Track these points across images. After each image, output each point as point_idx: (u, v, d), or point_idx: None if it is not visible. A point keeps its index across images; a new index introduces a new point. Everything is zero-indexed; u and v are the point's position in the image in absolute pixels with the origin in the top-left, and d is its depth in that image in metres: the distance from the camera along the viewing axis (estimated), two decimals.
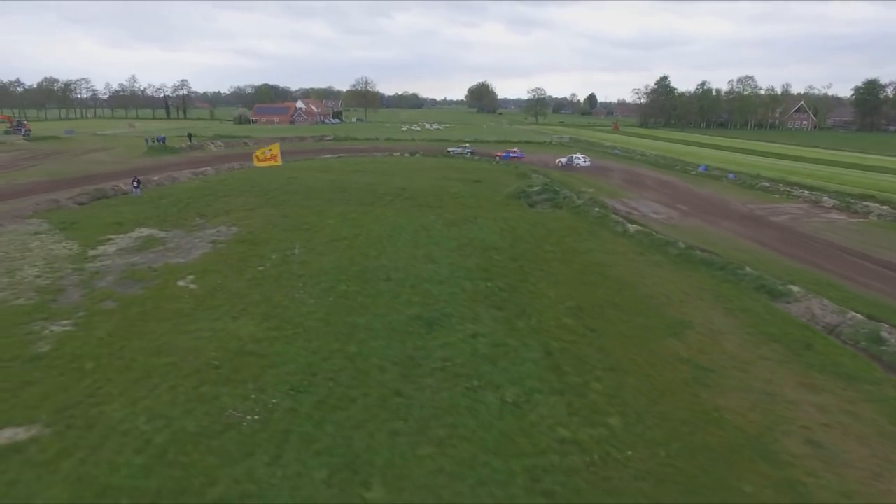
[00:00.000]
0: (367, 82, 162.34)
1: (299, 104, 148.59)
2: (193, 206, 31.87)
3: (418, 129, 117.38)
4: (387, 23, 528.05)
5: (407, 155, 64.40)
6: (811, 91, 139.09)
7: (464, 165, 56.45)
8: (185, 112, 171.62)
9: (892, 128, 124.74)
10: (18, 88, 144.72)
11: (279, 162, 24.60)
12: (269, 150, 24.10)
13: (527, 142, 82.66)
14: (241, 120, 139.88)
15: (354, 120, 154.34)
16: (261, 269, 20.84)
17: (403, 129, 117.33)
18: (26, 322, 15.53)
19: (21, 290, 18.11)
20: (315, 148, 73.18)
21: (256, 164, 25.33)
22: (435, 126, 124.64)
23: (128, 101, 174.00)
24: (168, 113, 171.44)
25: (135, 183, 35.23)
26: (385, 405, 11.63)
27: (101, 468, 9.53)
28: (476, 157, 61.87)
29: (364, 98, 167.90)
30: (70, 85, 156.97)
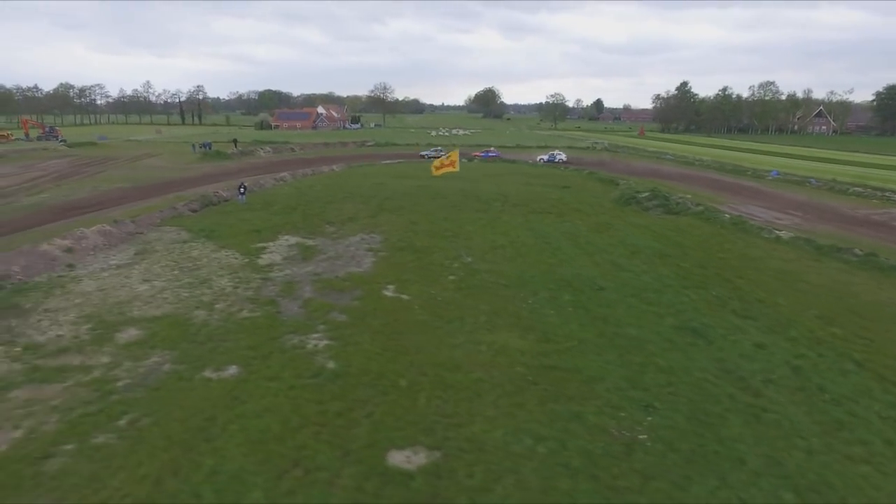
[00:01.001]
0: (385, 88, 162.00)
1: (320, 110, 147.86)
2: (309, 212, 31.16)
3: (446, 133, 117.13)
4: (381, 29, 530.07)
5: (465, 160, 63.95)
6: (832, 96, 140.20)
7: (531, 171, 56.12)
8: (200, 118, 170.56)
9: None
10: (38, 94, 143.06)
11: (457, 168, 23.93)
12: (449, 157, 23.42)
13: (569, 147, 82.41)
14: (263, 125, 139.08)
15: (373, 125, 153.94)
16: (452, 277, 20.17)
17: (433, 133, 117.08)
18: (278, 336, 14.82)
19: (235, 302, 17.38)
20: (366, 153, 72.41)
21: (435, 172, 24.61)
22: (461, 132, 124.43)
23: (142, 106, 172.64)
24: (183, 118, 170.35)
25: (241, 189, 34.49)
26: (761, 419, 11.02)
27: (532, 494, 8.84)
28: (564, 166, 60.77)
29: (382, 104, 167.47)
30: (85, 90, 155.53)
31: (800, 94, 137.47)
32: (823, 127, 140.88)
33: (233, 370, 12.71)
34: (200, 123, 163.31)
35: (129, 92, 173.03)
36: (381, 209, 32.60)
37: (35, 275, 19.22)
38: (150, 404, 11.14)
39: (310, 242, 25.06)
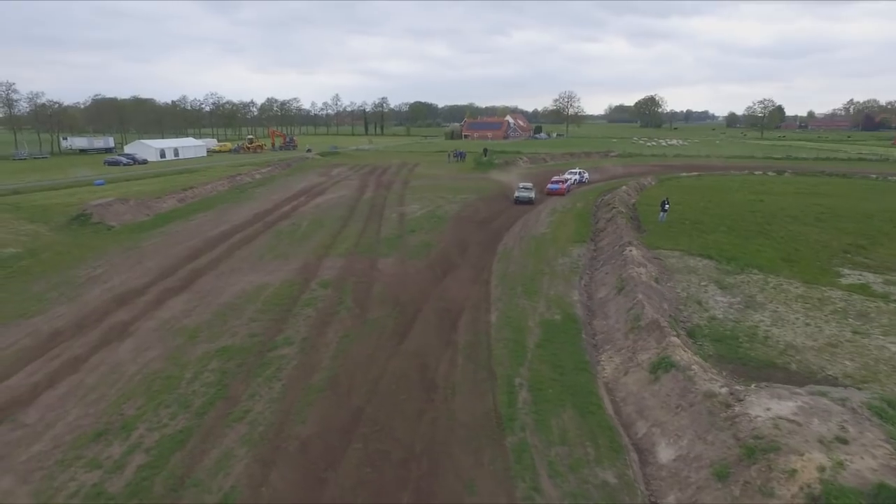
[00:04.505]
0: (570, 97, 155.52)
1: (510, 120, 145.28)
2: (770, 238, 25.07)
3: (653, 144, 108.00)
4: (504, 40, 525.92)
5: (771, 173, 55.21)
6: None
7: (879, 186, 46.09)
8: (382, 128, 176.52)
9: None
10: (254, 109, 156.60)
11: None
12: None
13: (860, 158, 69.50)
14: (454, 135, 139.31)
15: (555, 135, 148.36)
16: None
17: (650, 144, 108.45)
18: None
19: None
20: (655, 164, 65.62)
21: None
22: (677, 142, 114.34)
23: (331, 118, 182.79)
24: (367, 129, 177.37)
25: (664, 206, 29.49)
26: None
27: None
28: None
29: (563, 114, 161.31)
30: (286, 104, 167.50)
31: None
32: None
33: None
34: (383, 133, 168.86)
35: (319, 105, 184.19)
36: (860, 231, 25.73)
37: None
38: None
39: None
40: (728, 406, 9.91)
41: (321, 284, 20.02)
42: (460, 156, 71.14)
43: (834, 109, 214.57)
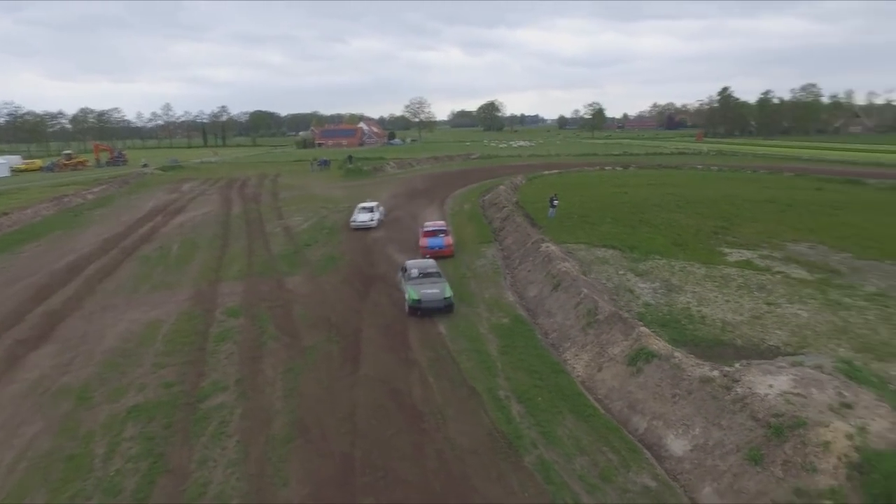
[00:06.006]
0: (421, 103, 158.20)
1: (364, 126, 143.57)
2: (652, 226, 27.53)
3: (505, 146, 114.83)
4: (343, 47, 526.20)
5: (619, 168, 61.24)
6: (872, 98, 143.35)
7: (708, 175, 53.62)
8: (224, 139, 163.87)
9: None
10: (63, 120, 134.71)
11: None
12: None
13: (680, 153, 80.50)
14: (306, 144, 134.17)
15: (409, 141, 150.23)
16: None
17: (502, 146, 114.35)
18: None
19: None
20: (509, 164, 68.21)
21: None
22: (526, 143, 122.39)
23: (161, 130, 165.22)
24: (205, 140, 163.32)
25: (553, 202, 30.69)
26: None
27: None
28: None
29: (412, 120, 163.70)
30: (104, 115, 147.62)
31: (841, 97, 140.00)
32: (858, 127, 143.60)
33: None
34: (225, 145, 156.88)
35: (146, 115, 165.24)
36: (712, 216, 29.33)
37: None
38: None
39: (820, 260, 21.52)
40: (728, 388, 10.12)
41: (228, 313, 17.30)
42: (324, 164, 68.36)
43: (641, 112, 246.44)
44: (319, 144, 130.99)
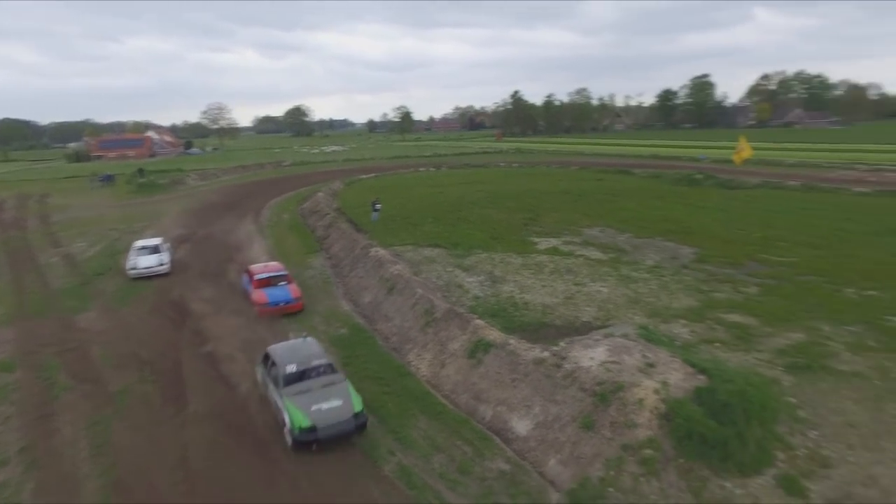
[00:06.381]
0: (220, 109, 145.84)
1: (153, 135, 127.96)
2: (470, 223, 29.51)
3: (317, 151, 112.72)
4: (117, 48, 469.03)
5: (432, 169, 63.80)
6: (629, 100, 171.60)
7: (511, 172, 58.89)
8: None
9: (686, 125, 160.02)
10: None
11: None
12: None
13: (484, 152, 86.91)
14: (80, 157, 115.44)
15: (210, 149, 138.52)
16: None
17: (314, 151, 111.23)
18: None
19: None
20: (321, 171, 66.15)
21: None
22: (338, 148, 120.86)
23: None
24: None
25: (375, 207, 30.75)
26: None
27: None
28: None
29: (211, 127, 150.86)
30: None
31: (606, 100, 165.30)
32: (622, 125, 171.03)
33: None
34: None
35: None
36: (528, 208, 32.43)
37: None
38: None
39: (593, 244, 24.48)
40: (558, 366, 11.16)
41: None
42: (108, 179, 59.54)
43: (446, 114, 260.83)
44: (98, 157, 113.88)
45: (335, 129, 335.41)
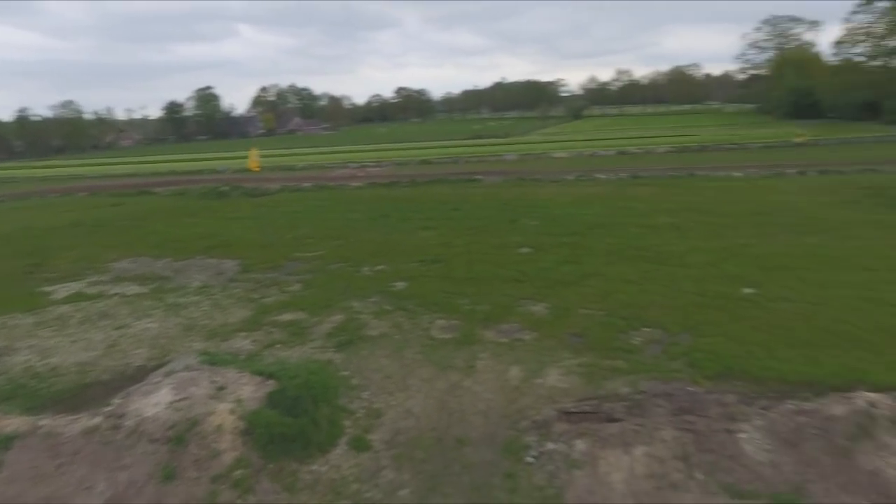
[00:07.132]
0: None
1: None
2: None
3: None
4: None
5: None
6: (132, 114, 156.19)
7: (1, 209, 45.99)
8: None
9: (201, 137, 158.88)
10: None
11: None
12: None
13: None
14: None
15: None
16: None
17: None
18: None
19: None
20: None
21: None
22: None
23: None
24: None
25: None
26: None
27: None
28: None
29: None
30: None
31: (104, 114, 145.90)
32: (129, 141, 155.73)
33: None
34: None
35: None
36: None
37: None
38: None
39: None
40: (117, 427, 9.70)
41: None
42: None
43: None
44: None
45: None
